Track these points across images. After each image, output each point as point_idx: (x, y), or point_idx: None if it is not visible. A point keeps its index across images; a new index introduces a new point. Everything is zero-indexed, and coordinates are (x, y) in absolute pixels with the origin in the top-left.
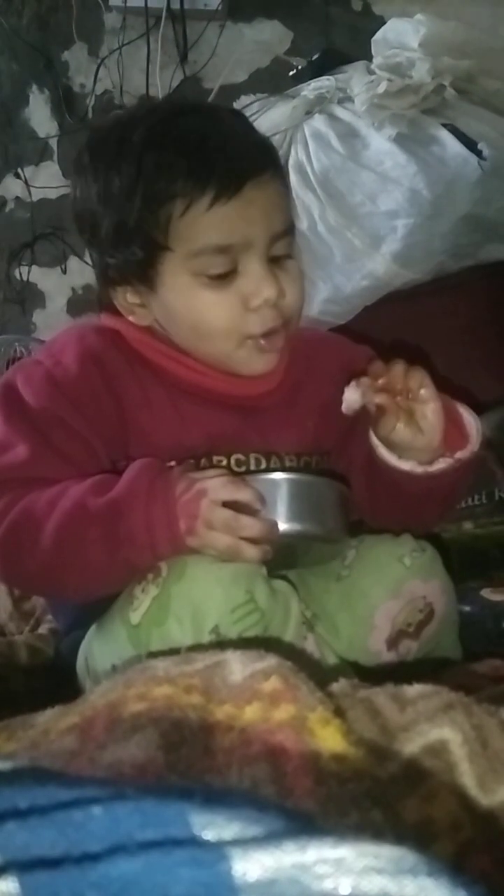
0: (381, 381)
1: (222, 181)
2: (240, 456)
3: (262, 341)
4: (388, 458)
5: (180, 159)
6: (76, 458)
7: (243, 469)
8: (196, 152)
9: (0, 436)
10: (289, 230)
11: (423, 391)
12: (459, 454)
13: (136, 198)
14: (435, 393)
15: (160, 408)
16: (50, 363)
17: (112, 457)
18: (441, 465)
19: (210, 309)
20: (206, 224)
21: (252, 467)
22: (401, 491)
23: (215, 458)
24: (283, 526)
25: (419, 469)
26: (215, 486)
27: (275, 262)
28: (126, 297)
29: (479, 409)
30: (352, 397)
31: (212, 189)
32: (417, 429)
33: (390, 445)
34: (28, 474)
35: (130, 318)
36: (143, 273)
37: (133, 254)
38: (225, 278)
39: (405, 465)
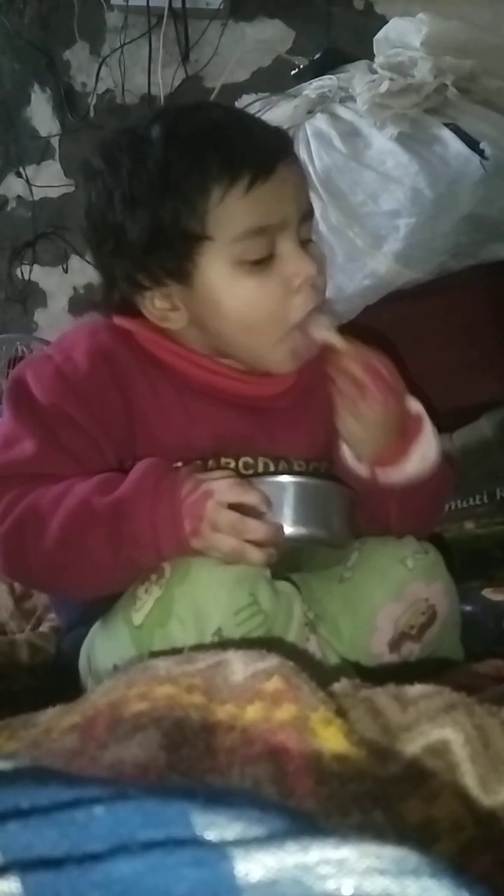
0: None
1: (256, 163)
2: (248, 459)
3: (304, 342)
4: (340, 442)
5: (209, 149)
6: (83, 455)
7: (251, 472)
8: (224, 140)
9: (8, 431)
10: (311, 212)
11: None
12: (380, 471)
13: (168, 194)
14: (386, 399)
15: (169, 407)
16: (60, 359)
17: (119, 455)
18: (359, 469)
19: (255, 296)
20: (244, 208)
21: (260, 471)
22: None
23: (223, 461)
24: (288, 529)
25: (349, 460)
26: (221, 488)
27: (302, 245)
28: (155, 303)
29: (479, 409)
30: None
31: (248, 172)
32: (358, 427)
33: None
34: (34, 470)
35: (164, 325)
36: (181, 270)
37: (171, 251)
38: (263, 263)
39: (343, 447)
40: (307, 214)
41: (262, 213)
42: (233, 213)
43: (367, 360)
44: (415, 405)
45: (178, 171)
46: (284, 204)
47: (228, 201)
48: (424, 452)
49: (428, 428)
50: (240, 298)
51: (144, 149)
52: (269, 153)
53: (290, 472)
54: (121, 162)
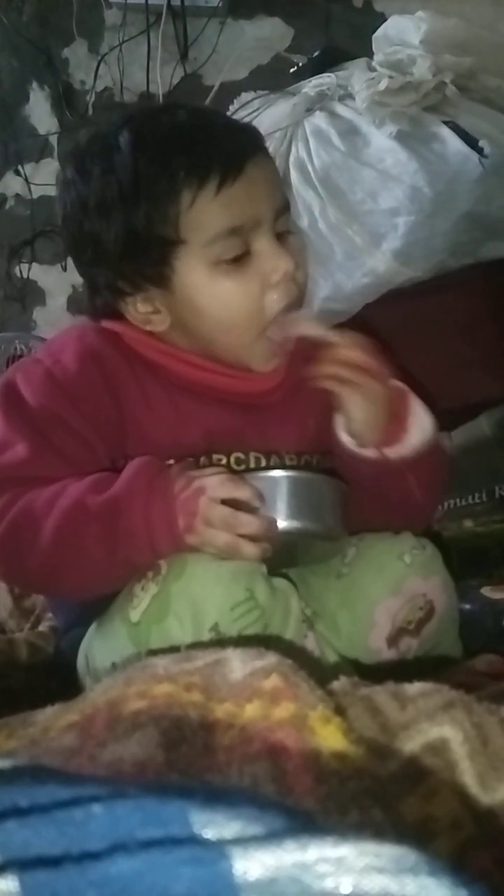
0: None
1: (224, 164)
2: (239, 454)
3: (279, 342)
4: (338, 430)
5: (177, 153)
6: (75, 456)
7: (243, 468)
8: (191, 143)
9: (0, 434)
10: (287, 206)
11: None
12: (387, 450)
13: (139, 201)
14: (359, 391)
15: (158, 406)
16: (49, 362)
17: (111, 455)
18: (369, 453)
19: (233, 295)
20: (216, 209)
21: (252, 466)
22: (357, 475)
23: (215, 457)
24: (282, 523)
25: (352, 447)
26: (214, 484)
27: (279, 238)
28: (137, 308)
29: (479, 408)
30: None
31: (216, 174)
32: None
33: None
34: (27, 473)
35: (147, 328)
36: (159, 274)
37: (147, 257)
38: (240, 262)
39: (345, 438)
40: (282, 208)
41: (234, 214)
42: (204, 216)
43: (350, 343)
44: (395, 382)
45: (147, 177)
46: (256, 202)
47: (199, 204)
48: (421, 423)
49: (415, 400)
50: (218, 299)
51: (113, 157)
52: (237, 153)
53: (282, 467)
54: (91, 171)
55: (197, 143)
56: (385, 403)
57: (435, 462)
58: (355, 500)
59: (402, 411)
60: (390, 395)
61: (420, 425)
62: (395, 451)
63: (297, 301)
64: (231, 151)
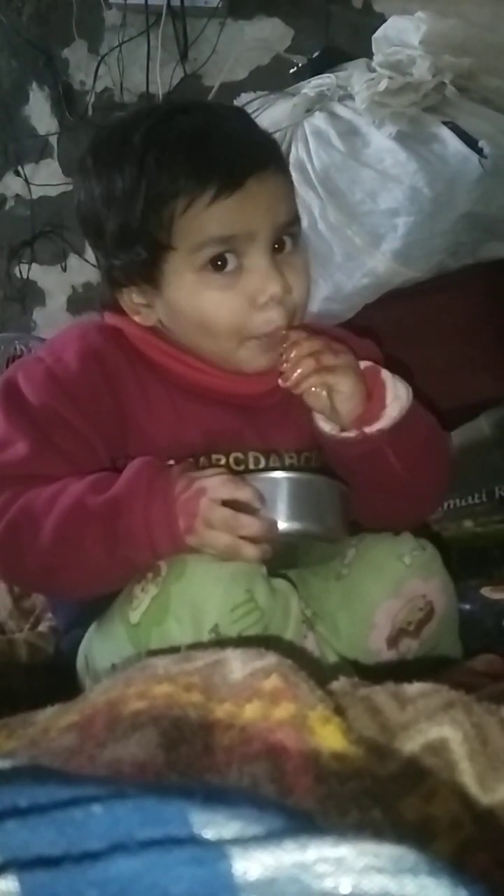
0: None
1: (224, 178)
2: (238, 454)
3: (266, 340)
4: (318, 422)
5: (181, 157)
6: (76, 455)
7: (242, 468)
8: (197, 150)
9: (0, 433)
10: (293, 222)
11: (331, 365)
12: (367, 428)
13: (138, 198)
14: (344, 368)
15: (159, 406)
16: (51, 360)
17: (111, 454)
18: (349, 434)
19: (216, 308)
20: (207, 219)
21: (251, 466)
22: (344, 461)
23: (214, 457)
24: (282, 525)
25: (334, 432)
26: (215, 485)
27: (280, 256)
28: (132, 298)
29: (478, 408)
30: None
31: (213, 186)
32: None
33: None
34: (28, 471)
35: (136, 318)
36: (148, 273)
37: (137, 254)
38: (229, 275)
39: (326, 426)
40: (286, 224)
41: (225, 224)
42: (196, 224)
43: (305, 336)
44: (362, 362)
45: (150, 177)
46: (252, 215)
47: (192, 211)
48: (396, 393)
49: (385, 373)
50: (200, 307)
51: (125, 151)
52: (241, 167)
53: (283, 468)
54: (104, 161)
55: (203, 151)
56: (358, 369)
57: (415, 431)
58: (352, 492)
59: (377, 388)
60: (361, 368)
61: (395, 395)
62: (376, 427)
63: (290, 322)
64: (235, 163)
